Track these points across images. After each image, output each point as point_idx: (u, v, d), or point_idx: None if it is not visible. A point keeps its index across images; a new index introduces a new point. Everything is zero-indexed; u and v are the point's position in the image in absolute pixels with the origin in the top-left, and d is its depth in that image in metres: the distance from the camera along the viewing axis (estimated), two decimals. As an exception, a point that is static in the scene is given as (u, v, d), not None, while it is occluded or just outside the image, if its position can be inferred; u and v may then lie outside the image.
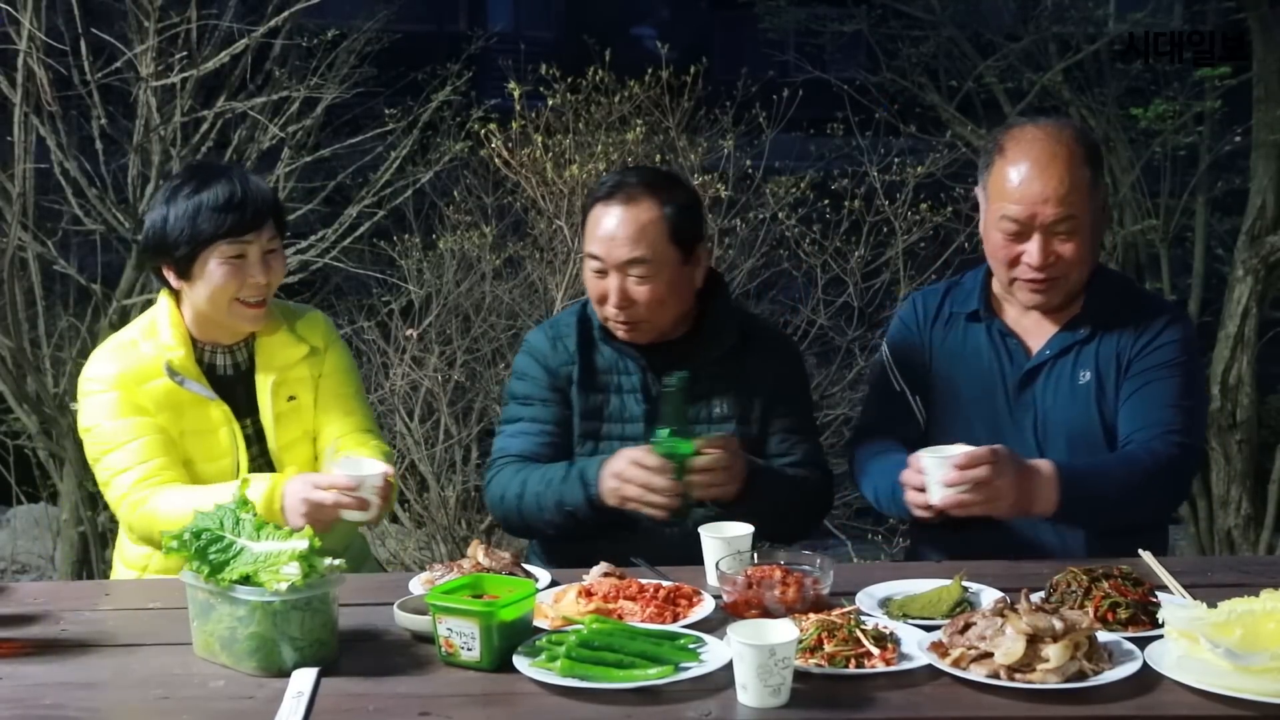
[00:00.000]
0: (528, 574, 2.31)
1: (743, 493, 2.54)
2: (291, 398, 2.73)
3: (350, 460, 2.52)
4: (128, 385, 2.60)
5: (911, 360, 2.79)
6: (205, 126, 4.70)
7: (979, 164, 2.69)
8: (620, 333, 2.70)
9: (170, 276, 2.63)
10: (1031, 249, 2.55)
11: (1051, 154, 2.54)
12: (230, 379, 2.70)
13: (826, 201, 5.24)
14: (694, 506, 2.53)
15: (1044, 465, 2.40)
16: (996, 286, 2.72)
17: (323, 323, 2.83)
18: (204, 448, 2.65)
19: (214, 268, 2.57)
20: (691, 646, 1.95)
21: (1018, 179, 2.55)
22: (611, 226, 2.63)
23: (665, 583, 2.20)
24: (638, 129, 4.79)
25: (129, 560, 2.74)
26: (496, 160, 4.75)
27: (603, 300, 2.67)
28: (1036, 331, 2.67)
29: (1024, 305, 2.65)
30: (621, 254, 2.62)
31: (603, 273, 2.65)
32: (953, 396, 2.72)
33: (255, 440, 2.69)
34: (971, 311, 2.72)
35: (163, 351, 2.62)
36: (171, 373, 2.61)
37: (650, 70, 4.88)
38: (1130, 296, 2.72)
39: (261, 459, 2.70)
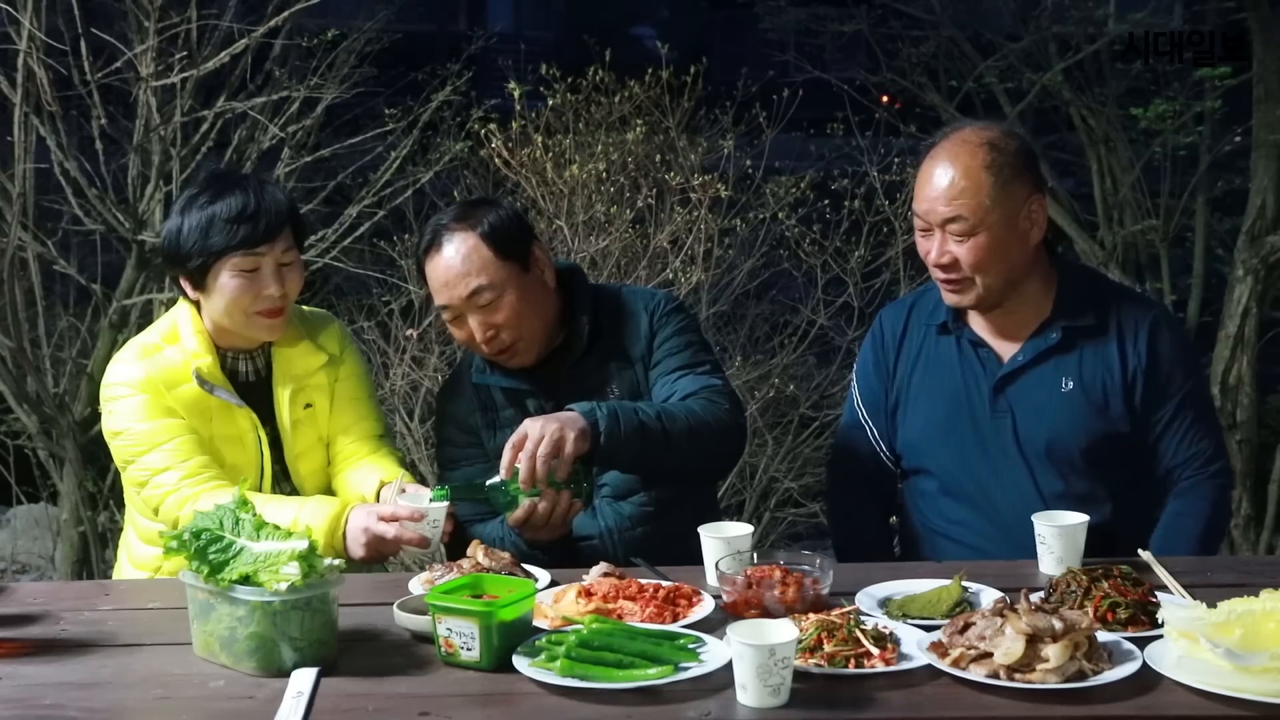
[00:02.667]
0: (527, 574, 2.31)
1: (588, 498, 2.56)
2: (308, 405, 2.73)
3: (414, 493, 2.51)
4: (156, 389, 2.58)
5: (876, 390, 2.81)
6: (205, 126, 4.70)
7: None
8: (503, 363, 2.71)
9: (187, 287, 2.62)
10: (932, 246, 2.60)
11: (953, 154, 2.57)
12: (252, 385, 2.70)
13: (826, 201, 5.24)
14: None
15: None
16: None
17: (339, 330, 2.83)
18: (231, 453, 2.65)
19: (226, 280, 2.56)
20: (691, 646, 1.95)
21: (923, 177, 2.60)
22: (443, 272, 2.64)
23: (665, 583, 2.20)
24: (638, 129, 4.79)
25: (140, 561, 2.73)
26: (496, 160, 4.75)
27: (470, 342, 2.68)
28: (1006, 338, 2.67)
29: (945, 301, 2.67)
30: (461, 291, 2.63)
31: (458, 319, 2.66)
32: (927, 409, 2.72)
33: (271, 446, 2.69)
34: (940, 323, 2.73)
35: (189, 358, 2.61)
36: (201, 380, 2.60)
37: (650, 70, 4.88)
38: (1100, 294, 2.70)
39: (277, 466, 2.69)
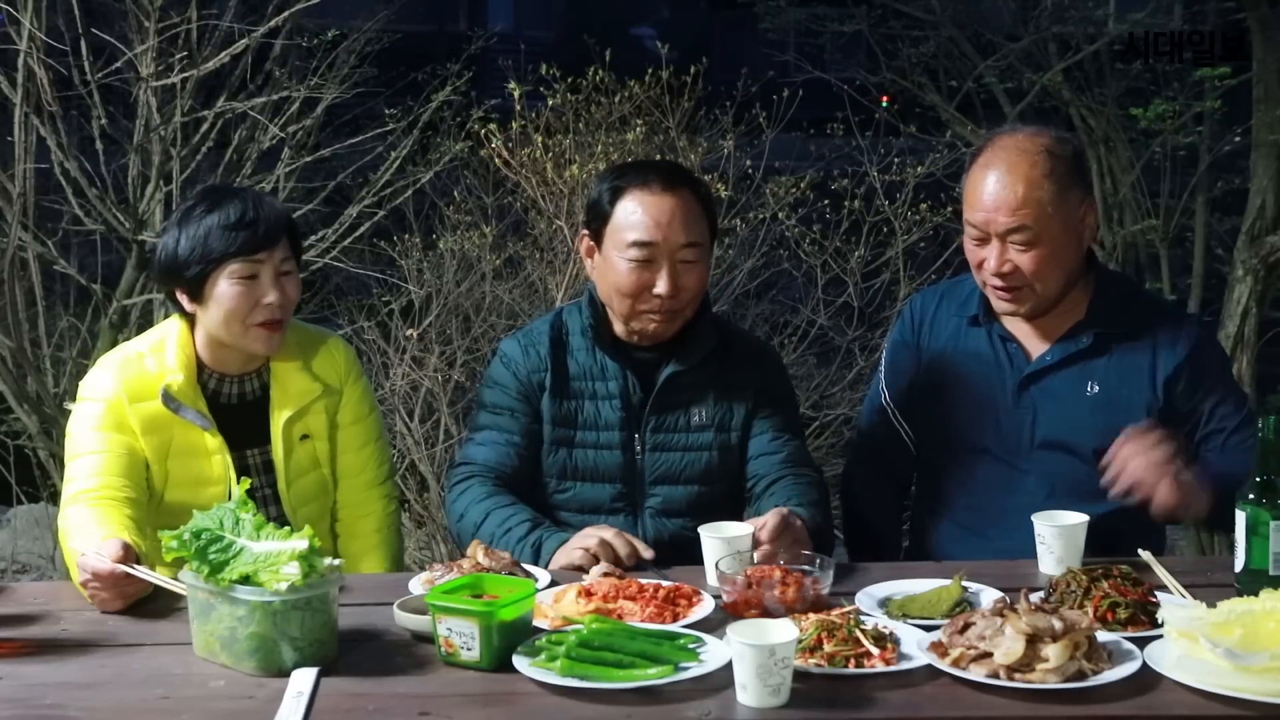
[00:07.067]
0: (527, 574, 2.31)
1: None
2: (305, 436, 2.70)
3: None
4: (119, 401, 2.54)
5: (901, 372, 2.82)
6: (205, 126, 4.70)
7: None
8: (656, 326, 2.62)
9: (184, 300, 2.58)
10: (990, 256, 2.57)
11: (1012, 163, 2.53)
12: (234, 408, 2.65)
13: (826, 201, 5.24)
14: None
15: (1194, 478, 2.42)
16: None
17: (343, 357, 2.76)
18: (193, 472, 2.59)
19: (225, 288, 2.52)
20: (691, 646, 1.95)
21: (979, 186, 2.56)
22: (665, 213, 2.56)
23: (665, 583, 2.20)
24: (638, 129, 4.79)
25: None
26: (496, 160, 4.75)
27: (645, 290, 2.58)
28: (1036, 337, 2.67)
29: (996, 310, 2.66)
30: (678, 239, 2.57)
31: (649, 262, 2.56)
32: (948, 399, 2.73)
33: (263, 470, 2.66)
34: (972, 315, 2.72)
35: (164, 373, 2.57)
36: (168, 399, 2.55)
37: (650, 70, 4.88)
38: (1134, 300, 2.72)
39: (270, 489, 2.66)
